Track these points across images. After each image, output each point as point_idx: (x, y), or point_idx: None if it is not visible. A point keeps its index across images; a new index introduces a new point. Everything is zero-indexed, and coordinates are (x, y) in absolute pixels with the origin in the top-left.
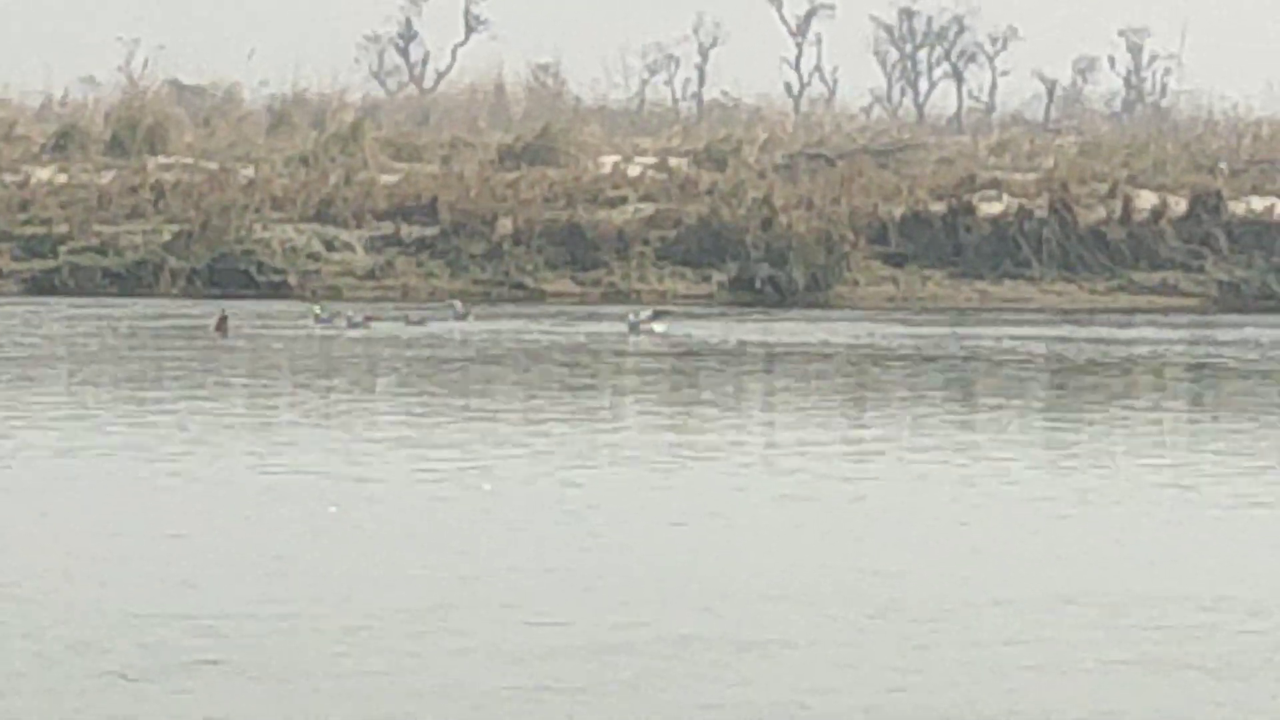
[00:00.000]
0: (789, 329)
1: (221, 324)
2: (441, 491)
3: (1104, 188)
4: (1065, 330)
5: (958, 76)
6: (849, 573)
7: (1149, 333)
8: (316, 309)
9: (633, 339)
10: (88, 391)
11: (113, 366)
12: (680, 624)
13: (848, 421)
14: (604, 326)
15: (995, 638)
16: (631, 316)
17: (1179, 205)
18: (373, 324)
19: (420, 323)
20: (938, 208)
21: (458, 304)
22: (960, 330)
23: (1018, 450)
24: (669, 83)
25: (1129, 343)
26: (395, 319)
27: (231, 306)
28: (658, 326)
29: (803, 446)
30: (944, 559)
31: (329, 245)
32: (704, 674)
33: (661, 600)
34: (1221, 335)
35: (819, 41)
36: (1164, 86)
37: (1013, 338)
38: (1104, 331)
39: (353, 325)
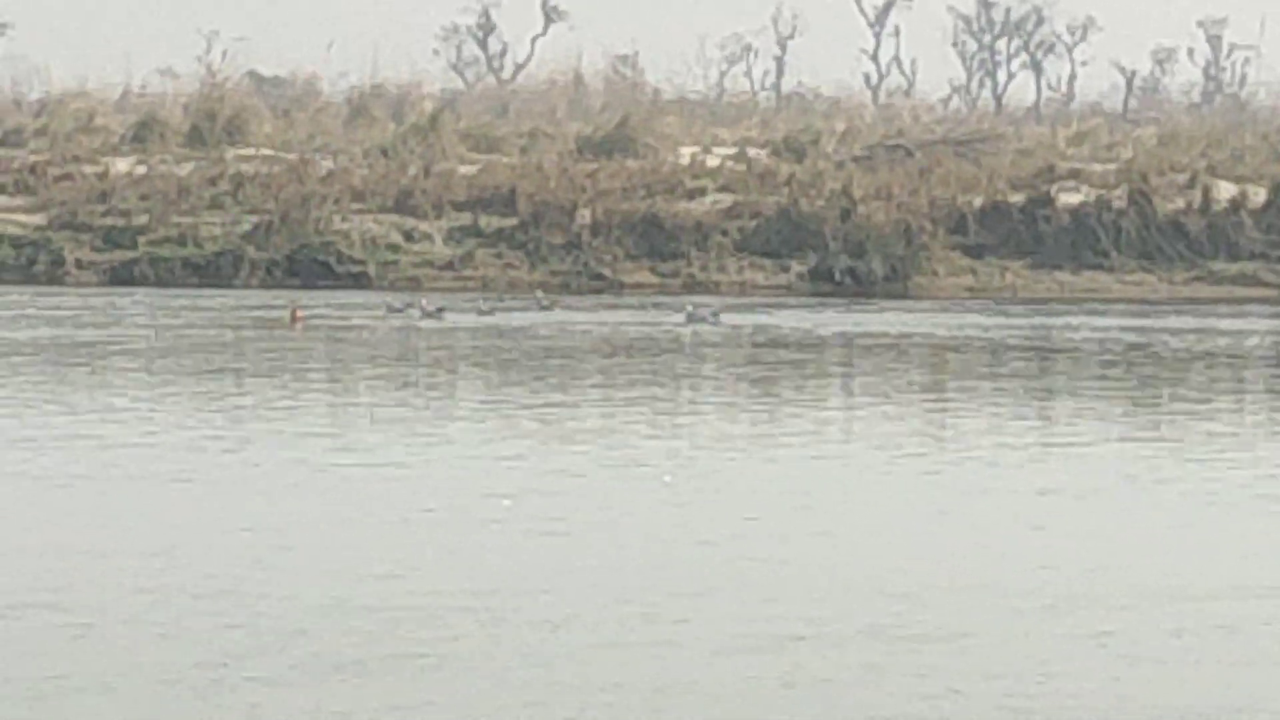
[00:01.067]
0: (870, 320)
1: (294, 316)
2: (615, 481)
3: (1183, 178)
4: (1146, 321)
5: (1036, 67)
6: (1014, 563)
7: (1228, 323)
8: (390, 300)
9: (690, 329)
10: (189, 383)
11: (209, 357)
12: (868, 616)
13: (965, 412)
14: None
15: (1190, 628)
16: (689, 308)
17: (1258, 195)
18: (445, 314)
19: (490, 313)
20: (1016, 198)
21: (541, 294)
22: (1039, 321)
23: (1136, 441)
24: (747, 74)
25: (1209, 334)
26: (465, 309)
27: (310, 298)
28: (710, 316)
29: (935, 438)
30: (1100, 550)
31: (408, 236)
32: (901, 667)
33: (846, 592)
34: None
35: (897, 33)
36: (1243, 77)
37: (1093, 328)
38: (1184, 322)
39: (426, 315)
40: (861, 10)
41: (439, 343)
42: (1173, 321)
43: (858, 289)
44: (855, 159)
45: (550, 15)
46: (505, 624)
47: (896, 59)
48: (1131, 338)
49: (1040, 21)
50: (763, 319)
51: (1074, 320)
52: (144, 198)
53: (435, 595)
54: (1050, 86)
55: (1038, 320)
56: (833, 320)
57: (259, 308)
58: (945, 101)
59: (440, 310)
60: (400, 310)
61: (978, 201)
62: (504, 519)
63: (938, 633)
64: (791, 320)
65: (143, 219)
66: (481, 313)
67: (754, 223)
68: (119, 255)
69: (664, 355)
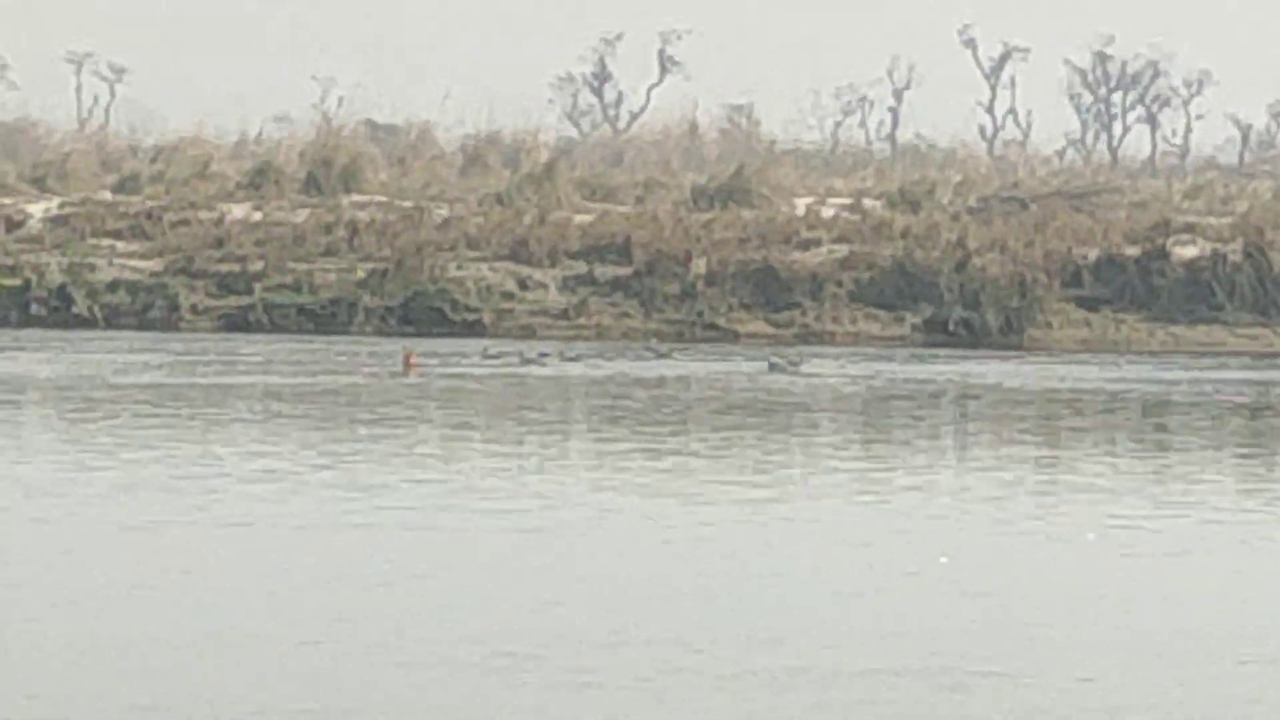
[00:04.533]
0: (983, 370)
1: (407, 362)
2: (1023, 538)
3: None
4: (1263, 374)
5: (1152, 120)
6: None
7: None
8: (487, 345)
9: (772, 378)
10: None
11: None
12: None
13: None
14: (819, 367)
15: None
16: (773, 357)
17: None
18: (549, 361)
19: (575, 359)
20: (1132, 251)
21: (656, 343)
22: (1156, 374)
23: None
24: (863, 125)
25: None
26: (575, 358)
27: (424, 345)
28: (789, 366)
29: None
30: None
31: (523, 284)
32: None
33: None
34: None
35: (1013, 84)
36: None
37: (1210, 381)
38: None
39: (525, 362)
40: (977, 62)
41: (587, 393)
42: None
43: (972, 340)
44: (970, 210)
45: (666, 65)
46: (1022, 685)
47: (1012, 111)
48: (1248, 391)
49: (1156, 75)
50: (868, 369)
51: (1191, 374)
52: (259, 244)
53: (935, 657)
54: (1165, 140)
55: (1154, 374)
56: (947, 371)
57: (378, 356)
58: (1060, 154)
59: (542, 356)
60: (495, 357)
61: (1093, 254)
62: (949, 579)
63: None
64: (910, 371)
65: (258, 265)
66: (565, 358)
67: (869, 273)
68: (234, 301)
69: (801, 409)
